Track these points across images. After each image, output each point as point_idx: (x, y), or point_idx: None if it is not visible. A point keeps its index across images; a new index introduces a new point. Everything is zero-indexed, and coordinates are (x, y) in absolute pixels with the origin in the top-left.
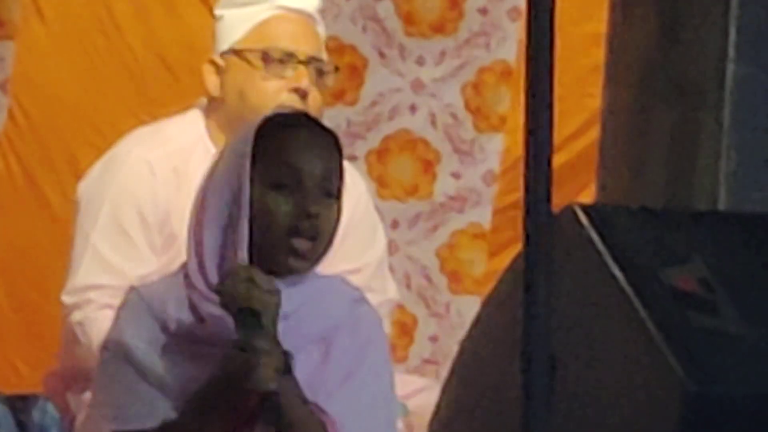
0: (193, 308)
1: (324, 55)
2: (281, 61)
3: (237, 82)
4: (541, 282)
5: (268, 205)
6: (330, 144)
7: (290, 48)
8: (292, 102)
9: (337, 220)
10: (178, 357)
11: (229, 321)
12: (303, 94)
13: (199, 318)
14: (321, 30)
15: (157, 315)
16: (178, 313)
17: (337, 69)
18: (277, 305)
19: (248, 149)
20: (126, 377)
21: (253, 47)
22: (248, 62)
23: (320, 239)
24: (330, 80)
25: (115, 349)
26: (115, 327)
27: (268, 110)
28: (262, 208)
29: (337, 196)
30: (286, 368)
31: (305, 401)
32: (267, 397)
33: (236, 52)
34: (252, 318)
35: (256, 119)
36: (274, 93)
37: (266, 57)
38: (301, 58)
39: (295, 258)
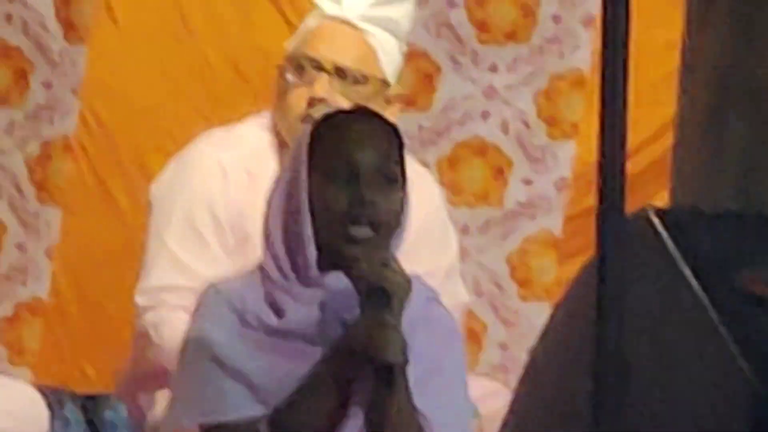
0: (271, 302)
1: (365, 65)
2: (310, 69)
3: (281, 87)
4: (613, 286)
5: (325, 195)
6: (387, 134)
7: (316, 55)
8: (316, 111)
9: (400, 208)
10: (259, 351)
11: (307, 314)
12: (315, 103)
13: (278, 312)
14: (375, 40)
15: (237, 309)
16: (257, 308)
17: (366, 78)
18: (408, 291)
19: (305, 144)
20: (207, 371)
21: (291, 54)
22: (288, 69)
23: (380, 227)
24: (381, 89)
25: (195, 343)
26: (195, 322)
27: (292, 117)
28: (320, 198)
29: (395, 182)
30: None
31: (409, 392)
32: (390, 370)
33: (285, 58)
34: (382, 298)
35: (290, 124)
36: (297, 100)
37: (296, 64)
38: (326, 66)
39: (352, 244)
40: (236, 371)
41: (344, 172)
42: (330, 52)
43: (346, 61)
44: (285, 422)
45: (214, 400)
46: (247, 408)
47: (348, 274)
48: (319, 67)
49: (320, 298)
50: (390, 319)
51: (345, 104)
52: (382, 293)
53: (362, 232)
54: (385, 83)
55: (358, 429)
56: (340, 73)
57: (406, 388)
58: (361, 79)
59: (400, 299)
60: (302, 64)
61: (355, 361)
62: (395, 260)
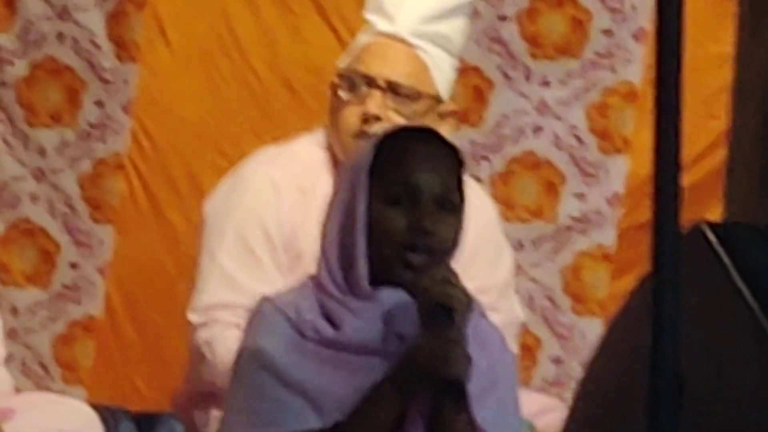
0: (326, 314)
1: (418, 81)
2: (363, 85)
3: (334, 104)
4: (669, 302)
5: (383, 220)
6: (448, 158)
7: (369, 72)
8: (370, 128)
9: (458, 232)
10: (316, 363)
11: (363, 327)
12: (369, 120)
13: (333, 324)
14: (428, 56)
15: (293, 321)
16: (314, 320)
17: (419, 95)
18: (469, 306)
19: (365, 164)
20: (264, 383)
21: (343, 71)
22: (341, 86)
23: (435, 254)
24: (435, 106)
25: (251, 355)
26: (250, 334)
27: (346, 134)
28: (378, 222)
29: (455, 209)
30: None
31: (470, 408)
32: (455, 386)
33: (338, 75)
34: (445, 314)
35: (343, 141)
36: (350, 117)
37: (349, 81)
38: (379, 82)
39: (408, 270)
40: (295, 383)
41: (405, 197)
42: (383, 69)
43: (399, 77)
44: None
45: (272, 412)
46: (306, 421)
47: (409, 291)
48: (372, 84)
49: (375, 312)
50: (455, 335)
51: (399, 121)
52: (445, 309)
53: (418, 259)
54: (438, 99)
55: None
56: (393, 89)
57: (468, 403)
58: (414, 96)
59: (462, 315)
60: (355, 81)
61: (420, 377)
62: (456, 276)
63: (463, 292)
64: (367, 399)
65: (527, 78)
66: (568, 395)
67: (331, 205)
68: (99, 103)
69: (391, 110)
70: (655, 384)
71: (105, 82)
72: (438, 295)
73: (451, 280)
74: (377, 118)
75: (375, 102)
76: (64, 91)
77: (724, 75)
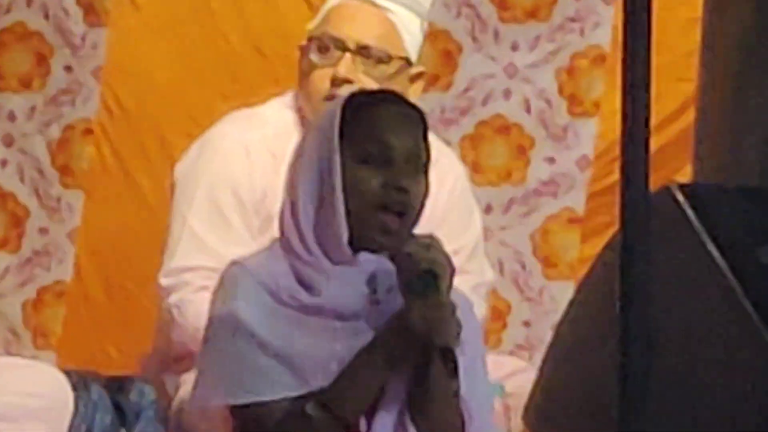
0: (299, 279)
1: (388, 43)
2: (333, 48)
3: (304, 68)
4: (638, 263)
5: (358, 179)
6: (416, 120)
7: (339, 35)
8: (340, 90)
9: (425, 195)
10: (296, 329)
11: (341, 292)
12: (340, 83)
13: (308, 288)
14: (397, 19)
15: (268, 286)
16: (288, 285)
17: (389, 57)
18: (452, 272)
19: (335, 125)
20: (241, 350)
21: (314, 34)
22: (311, 49)
23: (408, 214)
24: (406, 71)
25: (226, 321)
26: (223, 299)
27: (317, 97)
28: (352, 182)
29: (424, 168)
30: None
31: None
32: (446, 352)
33: (308, 38)
34: (432, 281)
35: (314, 104)
36: (321, 80)
37: (320, 44)
38: (349, 45)
39: (383, 234)
40: (274, 349)
41: (378, 156)
42: (353, 32)
43: (369, 40)
44: (335, 404)
45: (251, 379)
46: (286, 387)
47: (392, 257)
48: (343, 47)
49: (354, 277)
50: (444, 301)
51: (369, 84)
52: (431, 275)
53: (392, 220)
54: (407, 62)
55: (398, 409)
56: (363, 52)
57: (458, 370)
58: (384, 58)
59: (447, 281)
60: (325, 44)
61: (412, 344)
62: (438, 241)
63: (445, 257)
64: (355, 365)
65: (496, 42)
66: (538, 358)
67: (295, 168)
68: (68, 68)
69: (362, 73)
70: (625, 345)
71: (74, 47)
72: (423, 260)
73: (433, 246)
74: (348, 81)
75: (345, 65)
76: (33, 57)
77: (694, 38)
